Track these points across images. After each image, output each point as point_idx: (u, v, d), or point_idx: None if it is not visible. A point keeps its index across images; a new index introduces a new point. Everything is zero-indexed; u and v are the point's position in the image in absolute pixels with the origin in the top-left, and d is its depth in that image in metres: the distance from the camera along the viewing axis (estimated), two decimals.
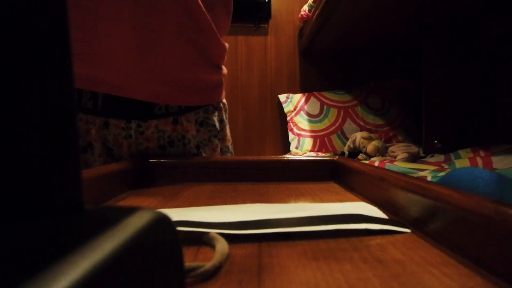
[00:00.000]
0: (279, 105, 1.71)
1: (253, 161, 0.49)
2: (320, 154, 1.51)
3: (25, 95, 0.09)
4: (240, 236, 0.22)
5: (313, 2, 1.50)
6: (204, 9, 0.52)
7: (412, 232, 0.24)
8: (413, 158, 1.39)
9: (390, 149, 1.46)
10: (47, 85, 0.10)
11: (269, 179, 0.47)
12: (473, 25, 1.42)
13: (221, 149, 0.63)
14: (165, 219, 0.12)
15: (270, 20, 1.71)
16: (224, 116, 0.65)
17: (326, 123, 1.64)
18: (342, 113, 1.72)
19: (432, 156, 1.40)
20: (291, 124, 1.62)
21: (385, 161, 1.28)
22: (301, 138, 1.58)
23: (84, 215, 0.11)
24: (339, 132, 1.69)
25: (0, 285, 0.06)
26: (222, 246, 0.19)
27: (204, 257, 0.20)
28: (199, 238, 0.22)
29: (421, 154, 1.49)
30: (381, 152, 1.47)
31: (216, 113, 0.62)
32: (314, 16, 1.42)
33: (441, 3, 1.20)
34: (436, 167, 1.20)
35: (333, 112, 1.71)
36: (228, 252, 0.19)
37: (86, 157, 0.55)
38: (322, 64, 1.81)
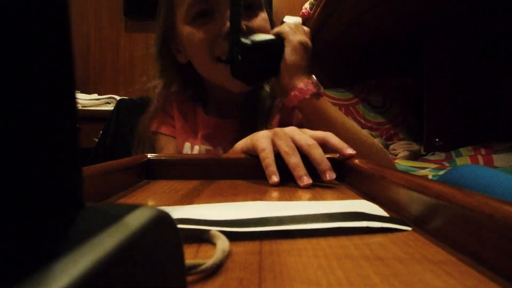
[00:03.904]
0: None
1: (254, 158, 0.49)
2: None
3: (26, 92, 0.09)
4: (241, 234, 0.22)
5: (314, 0, 1.49)
6: None
7: (413, 230, 0.24)
8: (414, 156, 1.38)
9: (391, 147, 1.46)
10: (48, 82, 0.10)
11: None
12: (474, 22, 1.41)
13: None
14: (166, 216, 0.12)
15: None
16: None
17: None
18: (343, 111, 1.72)
19: (433, 154, 1.39)
20: None
21: None
22: None
23: (84, 212, 0.11)
24: None
25: None
26: (223, 243, 0.19)
27: (205, 254, 0.20)
28: (200, 235, 0.22)
29: (422, 152, 1.49)
30: None
31: None
32: (315, 14, 1.41)
33: (442, 1, 1.20)
34: (437, 165, 1.19)
35: None
36: (229, 249, 0.19)
37: None
38: (323, 62, 1.81)
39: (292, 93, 0.59)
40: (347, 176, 0.45)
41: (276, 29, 0.63)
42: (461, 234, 0.20)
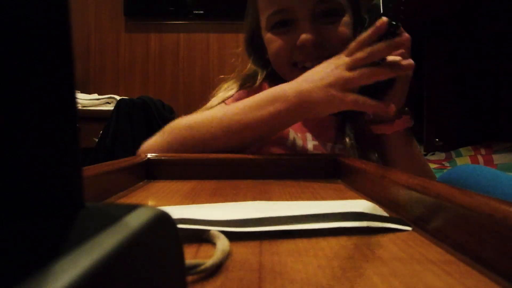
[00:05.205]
0: None
1: (254, 158, 0.49)
2: None
3: (26, 92, 0.09)
4: (241, 234, 0.22)
5: None
6: None
7: (413, 230, 0.24)
8: None
9: None
10: (48, 82, 0.10)
11: (270, 177, 0.47)
12: (474, 22, 1.41)
13: None
14: (166, 216, 0.12)
15: None
16: None
17: None
18: None
19: (433, 154, 1.40)
20: None
21: None
22: None
23: (84, 212, 0.11)
24: None
25: None
26: (223, 243, 0.19)
27: (205, 254, 0.20)
28: (200, 235, 0.22)
29: (422, 152, 1.49)
30: None
31: None
32: None
33: (442, 1, 1.20)
34: (437, 165, 1.20)
35: None
36: (229, 249, 0.19)
37: None
38: None
39: (386, 125, 0.58)
40: (346, 176, 0.45)
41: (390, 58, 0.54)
42: (461, 234, 0.20)
